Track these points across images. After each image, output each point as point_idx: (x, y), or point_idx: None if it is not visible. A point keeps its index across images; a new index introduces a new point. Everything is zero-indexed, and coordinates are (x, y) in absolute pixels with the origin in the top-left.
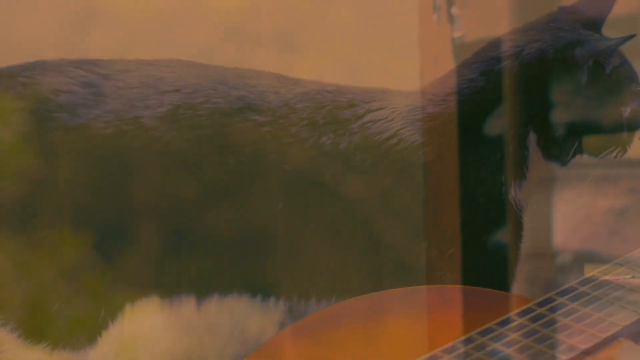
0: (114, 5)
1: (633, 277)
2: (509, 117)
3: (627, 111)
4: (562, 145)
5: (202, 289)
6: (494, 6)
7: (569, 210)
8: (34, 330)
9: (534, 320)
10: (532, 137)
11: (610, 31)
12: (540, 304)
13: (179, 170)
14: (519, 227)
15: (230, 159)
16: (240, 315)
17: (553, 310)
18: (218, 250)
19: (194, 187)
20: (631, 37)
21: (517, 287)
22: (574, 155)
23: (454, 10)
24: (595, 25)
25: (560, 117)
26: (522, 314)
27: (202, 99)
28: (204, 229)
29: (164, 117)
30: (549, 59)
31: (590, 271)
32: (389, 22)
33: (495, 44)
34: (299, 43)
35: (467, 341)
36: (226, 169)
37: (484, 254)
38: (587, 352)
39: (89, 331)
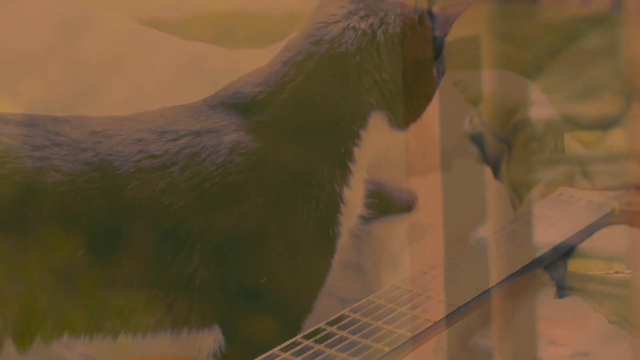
0: (105, 9)
1: (616, 272)
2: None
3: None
4: (409, 115)
5: None
6: (474, 6)
7: (548, 206)
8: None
9: None
10: (380, 117)
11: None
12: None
13: None
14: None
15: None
16: None
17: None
18: None
19: None
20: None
21: None
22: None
23: (435, 10)
24: None
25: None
26: None
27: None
28: None
29: None
30: (406, 36)
31: (574, 267)
32: None
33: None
34: None
35: None
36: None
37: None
38: None
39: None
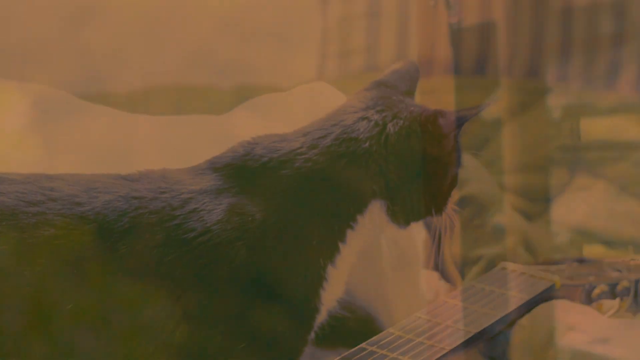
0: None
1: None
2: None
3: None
4: (410, 211)
5: None
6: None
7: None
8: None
9: None
10: (380, 207)
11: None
12: None
13: None
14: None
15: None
16: None
17: None
18: None
19: None
20: (488, 104)
21: None
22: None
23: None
24: (411, 93)
25: (417, 184)
26: None
27: None
28: None
29: None
30: (415, 131)
31: (588, 252)
32: (387, 11)
33: (332, 125)
34: (298, 36)
35: None
36: None
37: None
38: None
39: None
